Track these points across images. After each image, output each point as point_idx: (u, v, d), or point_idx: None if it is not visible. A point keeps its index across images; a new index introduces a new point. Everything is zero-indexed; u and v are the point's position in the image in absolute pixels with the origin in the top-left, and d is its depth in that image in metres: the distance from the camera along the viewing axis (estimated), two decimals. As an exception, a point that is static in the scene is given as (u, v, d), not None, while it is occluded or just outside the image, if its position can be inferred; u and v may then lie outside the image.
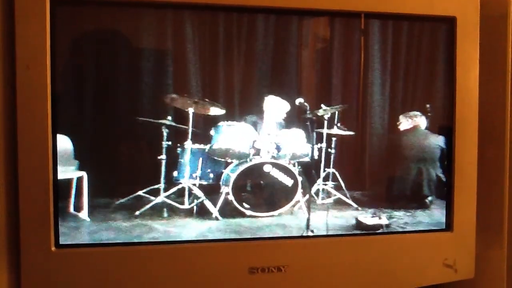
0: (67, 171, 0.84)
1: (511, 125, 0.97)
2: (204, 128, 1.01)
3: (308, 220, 0.97)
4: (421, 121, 1.02)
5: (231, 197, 1.01)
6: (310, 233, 0.95)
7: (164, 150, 0.97)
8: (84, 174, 0.88)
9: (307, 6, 0.89)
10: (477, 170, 0.96)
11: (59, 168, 0.81)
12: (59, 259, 0.82)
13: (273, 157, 1.05)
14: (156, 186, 0.96)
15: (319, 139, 1.05)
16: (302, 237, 0.95)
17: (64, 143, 0.83)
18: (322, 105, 1.00)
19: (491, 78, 0.97)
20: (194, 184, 1.02)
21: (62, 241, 0.83)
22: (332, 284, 0.92)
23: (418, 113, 1.02)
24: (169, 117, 0.96)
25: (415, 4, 0.93)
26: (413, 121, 1.03)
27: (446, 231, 0.98)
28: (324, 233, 0.96)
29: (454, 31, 0.94)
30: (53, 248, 0.81)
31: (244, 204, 0.99)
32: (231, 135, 1.03)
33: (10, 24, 0.78)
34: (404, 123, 1.03)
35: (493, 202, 0.99)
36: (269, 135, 1.05)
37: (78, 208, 0.88)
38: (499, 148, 0.98)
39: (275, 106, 0.97)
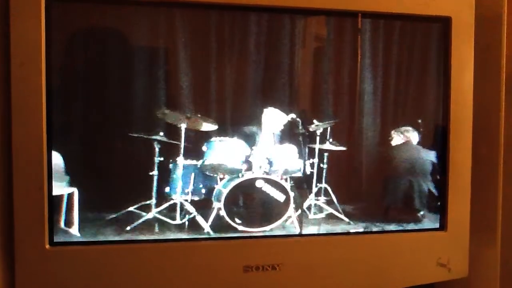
0: (58, 187, 0.84)
1: (505, 124, 0.97)
2: (197, 144, 1.01)
3: (300, 235, 0.97)
4: (414, 136, 1.02)
5: (222, 213, 1.00)
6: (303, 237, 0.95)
7: (156, 166, 0.97)
8: (75, 190, 0.88)
9: (297, 5, 0.90)
10: (471, 169, 0.97)
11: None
12: (53, 257, 0.82)
13: (265, 172, 1.05)
14: (147, 202, 0.95)
15: (311, 154, 1.05)
16: (296, 235, 0.95)
17: (54, 158, 0.84)
18: (314, 121, 1.01)
19: (486, 78, 0.98)
20: (186, 200, 1.02)
21: (56, 239, 0.83)
22: (326, 282, 0.92)
23: (410, 128, 1.02)
24: (161, 133, 0.96)
25: (409, 4, 0.93)
26: (405, 136, 1.03)
27: (439, 230, 0.97)
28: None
29: (449, 31, 0.94)
30: (47, 246, 0.81)
31: (236, 219, 0.99)
32: (223, 151, 1.03)
33: (5, 21, 0.78)
34: (396, 138, 1.03)
35: (487, 201, 0.99)
36: (265, 148, 1.04)
37: (68, 223, 0.88)
38: (493, 148, 0.98)
39: (273, 119, 0.98)
